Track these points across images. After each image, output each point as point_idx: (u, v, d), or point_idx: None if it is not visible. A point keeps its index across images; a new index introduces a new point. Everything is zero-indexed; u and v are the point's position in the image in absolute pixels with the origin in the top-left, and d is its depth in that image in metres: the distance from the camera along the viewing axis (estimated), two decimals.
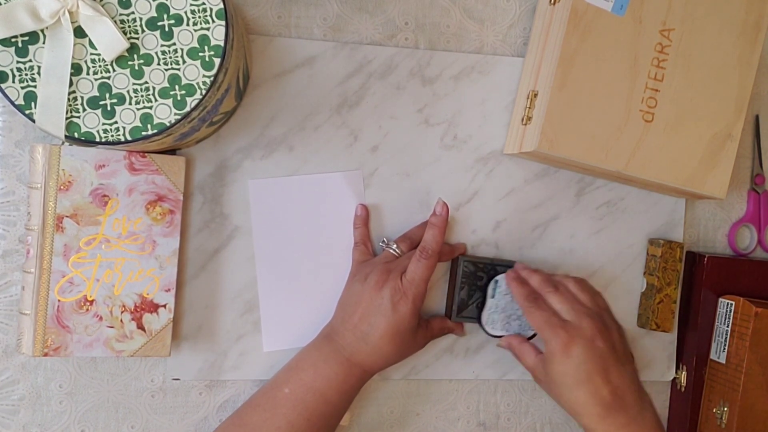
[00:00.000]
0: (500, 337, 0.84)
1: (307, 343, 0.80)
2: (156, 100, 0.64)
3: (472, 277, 0.84)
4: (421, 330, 0.80)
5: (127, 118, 0.64)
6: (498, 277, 0.84)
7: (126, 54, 0.64)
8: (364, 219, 0.84)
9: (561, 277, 0.81)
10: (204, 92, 0.64)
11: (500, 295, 0.83)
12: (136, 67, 0.64)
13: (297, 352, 0.80)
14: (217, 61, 0.64)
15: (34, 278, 0.72)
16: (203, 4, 0.64)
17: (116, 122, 0.64)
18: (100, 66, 0.64)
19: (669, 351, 0.93)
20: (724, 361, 0.88)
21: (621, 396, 0.72)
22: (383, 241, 0.84)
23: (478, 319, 0.84)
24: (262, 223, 0.82)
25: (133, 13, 0.63)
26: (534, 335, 0.83)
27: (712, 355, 0.90)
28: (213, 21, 0.64)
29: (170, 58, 0.64)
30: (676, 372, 0.93)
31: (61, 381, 0.79)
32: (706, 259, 0.90)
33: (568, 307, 0.76)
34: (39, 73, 0.63)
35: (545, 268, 0.89)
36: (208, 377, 0.82)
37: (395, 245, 0.82)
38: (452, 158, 0.87)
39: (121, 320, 0.75)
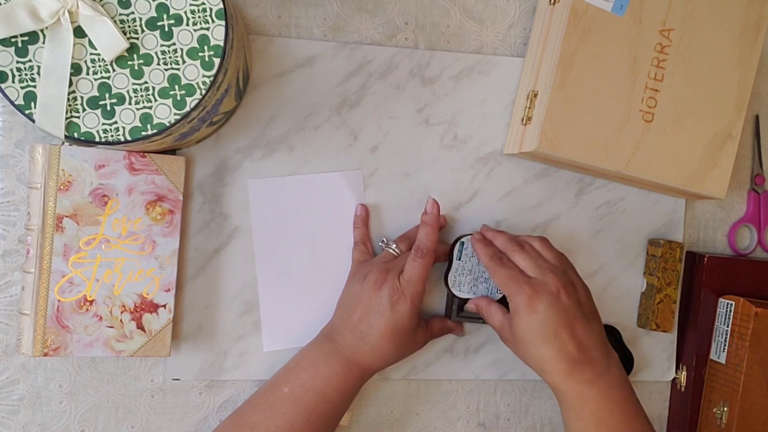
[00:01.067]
0: (467, 300, 0.82)
1: (307, 343, 0.80)
2: (156, 100, 0.64)
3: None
4: (420, 330, 0.80)
5: (127, 118, 0.64)
6: (464, 239, 0.82)
7: (126, 54, 0.64)
8: (364, 219, 0.84)
9: (526, 236, 0.81)
10: (204, 92, 0.64)
11: (466, 257, 0.82)
12: (136, 67, 0.64)
13: (297, 352, 0.79)
14: (216, 61, 0.64)
15: (33, 278, 0.72)
16: (203, 4, 0.64)
17: (116, 122, 0.64)
18: (99, 66, 0.64)
19: (669, 351, 0.93)
20: (724, 361, 0.88)
21: (587, 351, 0.72)
22: (383, 240, 0.84)
23: (444, 281, 0.83)
24: (262, 222, 0.82)
25: (132, 13, 0.63)
26: (503, 297, 0.82)
27: (712, 355, 0.90)
28: (213, 21, 0.64)
29: (170, 58, 0.64)
30: (676, 372, 0.93)
31: (61, 381, 0.79)
32: (706, 259, 0.90)
33: (533, 264, 0.75)
34: (39, 73, 0.63)
35: None
36: (208, 377, 0.82)
37: (394, 245, 0.82)
38: (452, 158, 0.87)
39: (121, 320, 0.75)
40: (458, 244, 0.83)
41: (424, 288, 0.78)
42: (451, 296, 0.85)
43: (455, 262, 0.83)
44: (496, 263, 0.77)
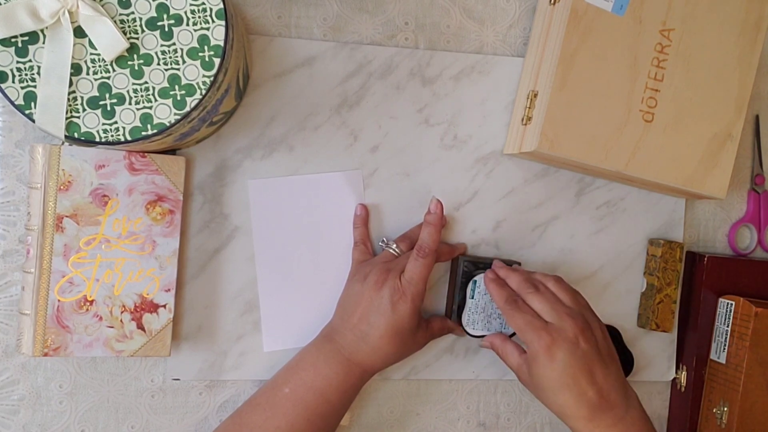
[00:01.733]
0: (481, 337, 0.82)
1: (308, 343, 0.80)
2: (156, 100, 0.64)
3: (471, 277, 0.83)
4: (421, 330, 0.80)
5: (127, 118, 0.64)
6: (477, 277, 0.83)
7: (126, 54, 0.64)
8: (364, 219, 0.84)
9: (540, 275, 0.80)
10: (204, 92, 0.64)
11: (479, 295, 0.83)
12: (136, 67, 0.64)
13: (297, 352, 0.79)
14: (217, 61, 0.64)
15: (34, 278, 0.72)
16: (203, 4, 0.64)
17: (116, 122, 0.64)
18: (99, 66, 0.64)
19: (669, 351, 0.93)
20: (724, 361, 0.88)
21: (606, 396, 0.71)
22: (383, 240, 0.84)
23: (458, 320, 0.83)
24: (262, 222, 0.82)
25: (132, 13, 0.63)
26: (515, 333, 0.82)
27: (712, 355, 0.90)
28: (213, 21, 0.64)
29: (170, 58, 0.64)
30: (676, 372, 0.93)
31: (61, 381, 0.79)
32: (706, 259, 0.90)
33: (549, 308, 0.74)
34: (39, 73, 0.63)
35: (545, 268, 0.89)
36: (208, 377, 0.82)
37: (395, 245, 0.82)
38: (452, 158, 0.87)
39: (121, 320, 0.75)
40: (471, 282, 0.83)
41: (425, 288, 0.77)
42: (451, 296, 0.85)
43: (469, 301, 0.83)
44: (512, 307, 0.75)
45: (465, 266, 0.84)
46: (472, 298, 0.83)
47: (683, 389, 0.92)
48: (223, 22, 0.64)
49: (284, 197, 0.83)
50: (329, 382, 0.75)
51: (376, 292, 0.76)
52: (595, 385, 0.71)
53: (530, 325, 0.73)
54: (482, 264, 0.84)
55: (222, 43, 0.64)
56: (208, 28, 0.64)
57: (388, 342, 0.76)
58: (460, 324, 0.83)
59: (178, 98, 0.64)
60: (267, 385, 0.78)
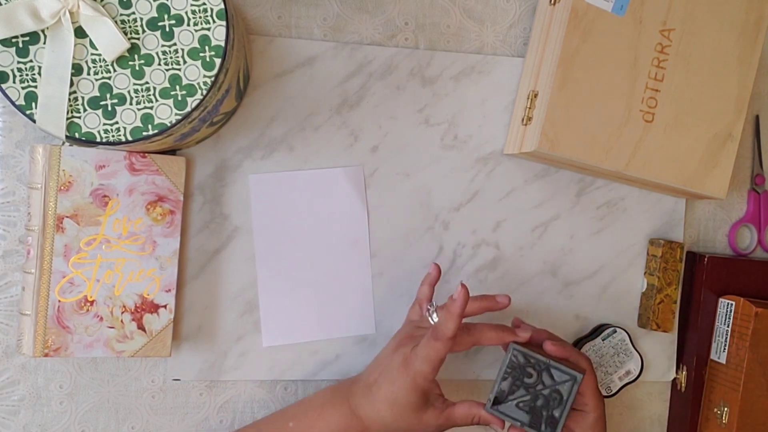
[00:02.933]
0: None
1: (326, 390, 0.79)
2: (157, 101, 0.64)
3: (519, 371, 0.73)
4: (430, 413, 0.74)
5: (128, 118, 0.64)
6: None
7: (127, 54, 0.64)
8: (432, 280, 0.81)
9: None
10: (205, 92, 0.64)
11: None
12: (137, 68, 0.64)
13: (312, 397, 0.79)
14: (217, 61, 0.64)
15: (34, 279, 0.72)
16: (204, 4, 0.64)
17: (117, 122, 0.64)
18: (100, 66, 0.64)
19: (669, 351, 0.93)
20: (724, 361, 0.88)
21: None
22: (429, 305, 0.77)
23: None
24: (263, 217, 0.82)
25: (133, 13, 0.63)
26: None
27: (713, 355, 0.90)
28: (213, 21, 0.64)
29: (171, 58, 0.64)
30: (677, 372, 0.93)
31: (61, 381, 0.79)
32: (706, 259, 0.90)
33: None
34: (40, 74, 0.63)
35: (545, 268, 0.89)
36: (209, 377, 0.82)
37: (435, 314, 0.76)
38: (452, 158, 0.87)
39: (122, 321, 0.75)
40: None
41: (434, 371, 0.72)
42: (498, 381, 0.75)
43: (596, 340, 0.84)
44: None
45: (513, 356, 0.74)
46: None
47: (683, 389, 0.92)
48: (223, 23, 0.64)
49: (285, 192, 0.83)
50: (329, 426, 0.75)
51: (392, 354, 0.75)
52: None
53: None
54: (534, 359, 0.73)
55: (223, 44, 0.64)
56: (208, 29, 0.64)
57: (386, 408, 0.73)
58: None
59: (179, 98, 0.64)
60: (276, 414, 0.78)
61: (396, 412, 0.73)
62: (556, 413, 0.73)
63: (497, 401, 0.74)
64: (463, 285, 0.71)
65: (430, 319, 0.76)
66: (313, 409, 0.76)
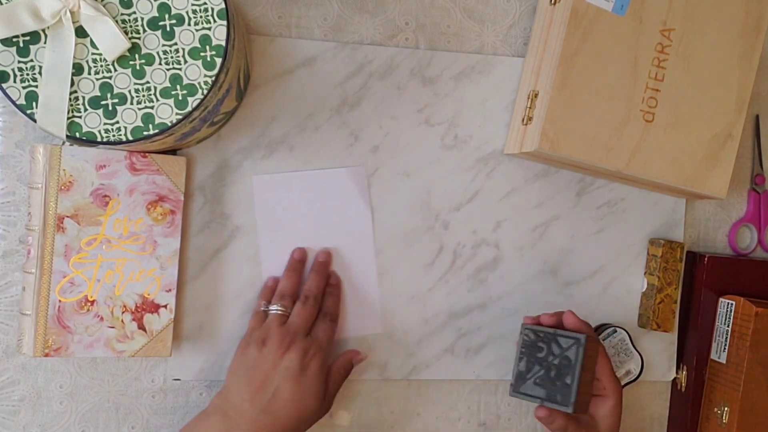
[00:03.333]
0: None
1: (197, 416, 0.75)
2: (157, 100, 0.64)
3: (531, 348, 0.77)
4: (328, 390, 0.77)
5: (129, 117, 0.64)
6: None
7: (127, 54, 0.64)
8: (270, 289, 0.82)
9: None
10: (205, 92, 0.64)
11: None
12: (138, 67, 0.64)
13: (186, 425, 0.74)
14: (218, 61, 0.64)
15: (34, 279, 0.72)
16: (204, 4, 0.64)
17: (118, 122, 0.64)
18: (101, 66, 0.63)
19: (669, 351, 0.93)
20: (724, 361, 0.88)
21: None
22: (263, 304, 0.80)
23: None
24: (266, 217, 0.82)
25: (134, 12, 0.63)
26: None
27: (713, 355, 0.90)
28: (214, 21, 0.64)
29: (172, 57, 0.64)
30: (677, 372, 0.93)
31: (61, 381, 0.79)
32: (706, 259, 0.90)
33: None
34: (40, 73, 0.63)
35: (545, 268, 0.89)
36: (209, 377, 0.82)
37: (278, 304, 0.78)
38: (452, 158, 0.87)
39: (122, 320, 0.75)
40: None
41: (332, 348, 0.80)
42: (516, 363, 0.78)
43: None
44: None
45: (525, 335, 0.78)
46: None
47: (684, 389, 0.92)
48: (224, 22, 0.64)
49: (288, 192, 0.83)
50: None
51: (281, 357, 0.74)
52: None
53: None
54: (542, 333, 0.77)
55: (224, 43, 0.64)
56: (209, 28, 0.64)
57: (294, 408, 0.73)
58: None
59: (180, 98, 0.64)
60: None
61: (303, 407, 0.74)
62: (568, 380, 0.74)
63: (518, 384, 0.77)
64: (324, 251, 0.82)
65: (277, 311, 0.78)
66: None
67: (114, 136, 0.64)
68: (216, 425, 0.72)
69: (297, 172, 0.83)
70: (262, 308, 0.80)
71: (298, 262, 0.82)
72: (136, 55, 0.64)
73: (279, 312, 0.78)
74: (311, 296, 0.79)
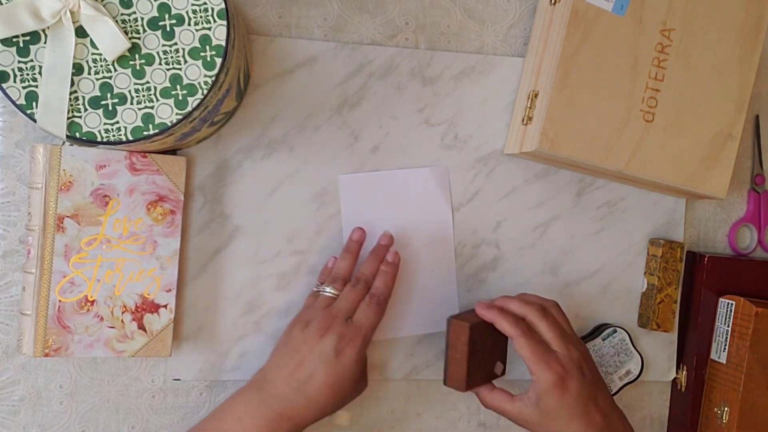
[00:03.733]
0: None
1: (238, 390, 0.76)
2: (157, 100, 0.64)
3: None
4: (364, 376, 0.77)
5: (129, 117, 0.64)
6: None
7: (127, 54, 0.64)
8: (328, 271, 0.81)
9: (537, 298, 0.79)
10: (205, 92, 0.64)
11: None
12: (138, 67, 0.64)
13: (227, 398, 0.76)
14: (218, 61, 0.64)
15: (34, 279, 0.72)
16: (204, 4, 0.64)
17: (118, 122, 0.64)
18: (101, 66, 0.63)
19: (669, 351, 0.93)
20: (724, 361, 0.88)
21: (609, 417, 0.75)
22: (317, 285, 0.80)
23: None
24: (350, 216, 0.84)
25: (134, 12, 0.63)
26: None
27: (713, 355, 0.90)
28: (214, 21, 0.64)
29: (172, 57, 0.64)
30: (677, 372, 0.93)
31: (61, 381, 0.79)
32: (706, 259, 0.90)
33: (557, 336, 0.74)
34: (40, 73, 0.63)
35: (545, 268, 0.89)
36: (209, 377, 0.82)
37: (329, 287, 0.78)
38: (453, 158, 0.87)
39: (122, 320, 0.75)
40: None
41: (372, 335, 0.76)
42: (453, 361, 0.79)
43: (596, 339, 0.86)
44: (524, 334, 0.74)
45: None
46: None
47: (684, 389, 0.92)
48: (224, 22, 0.64)
49: (372, 191, 0.85)
50: None
51: (317, 340, 0.73)
52: (599, 409, 0.74)
53: (543, 357, 0.73)
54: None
55: (224, 43, 0.64)
56: (209, 28, 0.64)
57: (327, 392, 0.72)
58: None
59: (180, 98, 0.64)
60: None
61: (338, 391, 0.73)
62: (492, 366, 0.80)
63: (470, 378, 0.77)
64: (388, 232, 0.81)
65: (327, 294, 0.77)
66: (229, 423, 0.72)
67: (114, 136, 0.64)
68: (252, 398, 0.73)
69: (381, 171, 0.85)
70: (315, 288, 0.80)
71: (355, 243, 0.81)
72: (136, 55, 0.64)
73: (328, 294, 0.77)
74: (362, 279, 0.78)
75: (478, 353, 0.77)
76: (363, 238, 0.81)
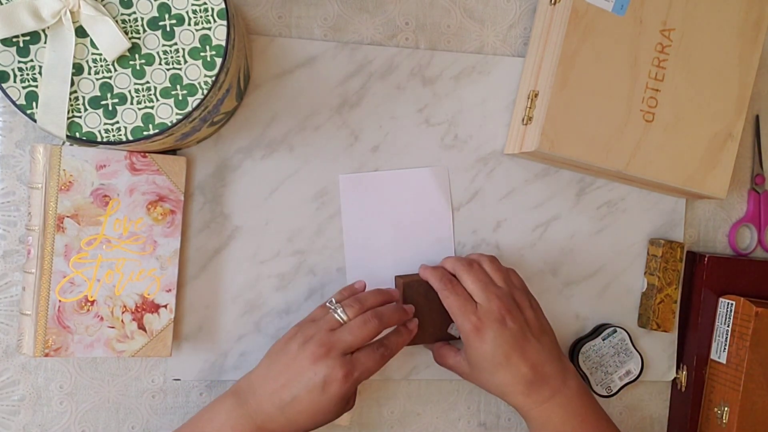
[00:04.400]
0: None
1: (218, 398, 0.74)
2: (157, 100, 0.64)
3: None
4: (348, 405, 0.75)
5: (129, 117, 0.64)
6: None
7: (127, 54, 0.64)
8: (352, 291, 0.79)
9: (476, 255, 0.82)
10: (205, 92, 0.64)
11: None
12: (138, 67, 0.64)
13: (207, 406, 0.74)
14: (218, 60, 0.64)
15: (34, 278, 0.72)
16: (204, 3, 0.64)
17: (118, 122, 0.64)
18: (101, 66, 0.63)
19: (669, 351, 0.93)
20: (724, 361, 0.88)
21: (541, 370, 0.74)
22: (331, 300, 0.76)
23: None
24: (350, 216, 0.84)
25: (134, 12, 0.63)
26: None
27: (713, 355, 0.90)
28: (214, 21, 0.64)
29: (172, 57, 0.64)
30: (677, 372, 0.93)
31: (61, 381, 0.79)
32: (706, 258, 0.90)
33: (479, 288, 0.76)
34: (40, 73, 0.63)
35: (545, 268, 0.89)
36: (209, 377, 0.82)
37: (341, 309, 0.74)
38: (453, 158, 0.87)
39: (122, 320, 0.75)
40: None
41: None
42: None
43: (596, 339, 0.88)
44: (447, 287, 0.77)
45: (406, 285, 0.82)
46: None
47: (684, 389, 0.92)
48: (224, 22, 0.64)
49: (372, 191, 0.85)
50: None
51: (310, 365, 0.69)
52: (527, 360, 0.74)
53: (462, 308, 0.75)
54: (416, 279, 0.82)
55: (224, 43, 0.64)
56: (209, 28, 0.64)
57: (308, 418, 0.70)
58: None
59: (180, 98, 0.64)
60: None
61: (318, 419, 0.71)
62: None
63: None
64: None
65: (336, 316, 0.73)
66: None
67: (114, 136, 0.64)
68: (234, 409, 0.71)
69: (381, 171, 0.85)
70: (328, 304, 0.75)
71: (395, 292, 0.79)
72: (136, 55, 0.64)
73: (337, 317, 0.73)
74: (379, 319, 0.73)
75: (423, 312, 0.81)
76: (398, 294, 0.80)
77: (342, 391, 0.70)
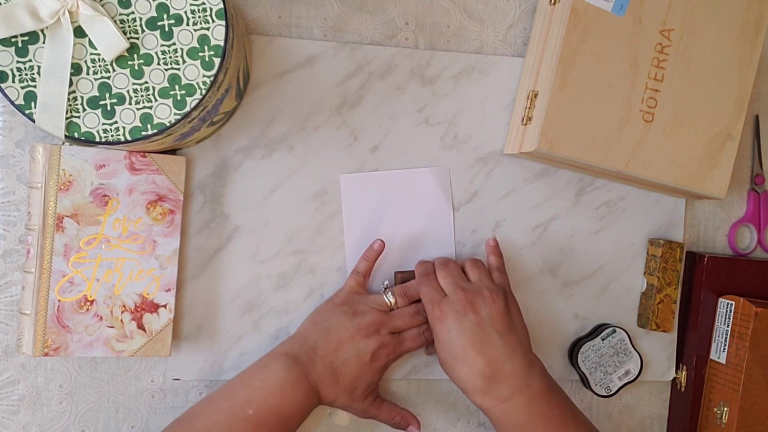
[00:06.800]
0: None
1: (271, 357, 0.76)
2: (156, 100, 0.64)
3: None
4: (369, 399, 0.80)
5: (127, 118, 0.64)
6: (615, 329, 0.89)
7: (126, 54, 0.64)
8: (376, 254, 0.82)
9: (465, 259, 0.83)
10: (204, 92, 0.64)
11: (609, 342, 0.89)
12: (136, 67, 0.64)
13: (257, 362, 0.76)
14: (217, 61, 0.64)
15: (34, 278, 0.72)
16: (203, 3, 0.64)
17: (116, 122, 0.64)
18: (100, 66, 0.64)
19: (669, 351, 0.93)
20: (724, 361, 0.88)
21: (499, 367, 0.73)
22: (384, 283, 0.82)
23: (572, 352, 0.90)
24: (352, 215, 0.84)
25: (132, 13, 0.63)
26: None
27: (712, 355, 0.90)
28: (213, 21, 0.64)
29: (170, 58, 0.64)
30: (676, 372, 0.93)
31: (61, 381, 0.79)
32: (706, 259, 0.90)
33: (449, 282, 0.78)
34: (39, 73, 0.63)
35: (545, 268, 0.89)
36: (209, 377, 0.82)
37: (392, 296, 0.81)
38: (452, 158, 0.87)
39: (122, 320, 0.75)
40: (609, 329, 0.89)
41: None
42: None
43: (596, 339, 0.89)
44: (423, 279, 0.80)
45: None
46: (602, 340, 0.89)
47: (683, 389, 0.92)
48: (223, 22, 0.64)
49: (373, 190, 0.85)
50: (294, 408, 0.73)
51: (361, 337, 0.77)
52: (485, 355, 0.73)
53: (430, 297, 0.77)
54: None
55: (222, 43, 0.64)
56: (208, 28, 0.64)
57: (351, 380, 0.76)
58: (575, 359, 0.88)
59: (179, 98, 0.64)
60: (225, 401, 0.73)
61: (361, 383, 0.77)
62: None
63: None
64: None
65: (386, 300, 0.80)
66: (271, 393, 0.72)
67: (112, 136, 0.64)
68: (291, 370, 0.74)
69: (382, 171, 0.85)
70: (381, 286, 0.82)
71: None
72: (135, 55, 0.64)
73: (386, 301, 0.80)
74: (423, 315, 0.81)
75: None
76: None
77: (386, 362, 0.78)
